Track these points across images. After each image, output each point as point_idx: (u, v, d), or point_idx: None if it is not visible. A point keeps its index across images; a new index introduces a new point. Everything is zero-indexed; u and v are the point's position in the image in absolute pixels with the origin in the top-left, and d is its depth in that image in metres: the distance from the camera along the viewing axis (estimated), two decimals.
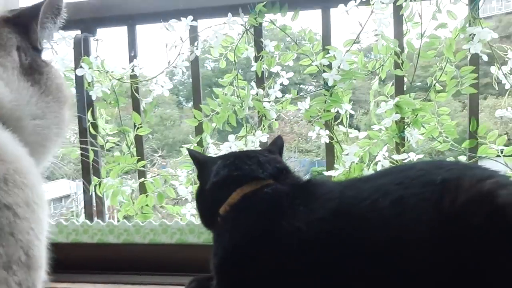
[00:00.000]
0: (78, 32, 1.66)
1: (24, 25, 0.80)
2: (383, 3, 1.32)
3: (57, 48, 1.61)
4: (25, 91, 0.73)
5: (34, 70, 0.78)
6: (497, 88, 1.39)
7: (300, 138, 7.45)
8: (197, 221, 1.40)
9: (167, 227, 1.41)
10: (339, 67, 1.40)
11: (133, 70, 1.55)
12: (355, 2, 1.37)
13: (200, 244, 1.38)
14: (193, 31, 1.55)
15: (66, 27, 1.63)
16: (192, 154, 1.11)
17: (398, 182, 0.85)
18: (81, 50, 1.60)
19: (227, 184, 0.99)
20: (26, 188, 0.60)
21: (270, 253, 0.87)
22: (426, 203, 0.78)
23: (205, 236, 1.36)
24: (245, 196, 0.95)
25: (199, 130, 1.56)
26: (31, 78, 0.76)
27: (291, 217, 0.87)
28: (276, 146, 1.12)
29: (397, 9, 1.41)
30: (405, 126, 1.46)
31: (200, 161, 1.08)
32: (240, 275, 0.90)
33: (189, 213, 1.53)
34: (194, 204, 1.55)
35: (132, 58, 1.62)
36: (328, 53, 1.44)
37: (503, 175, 0.84)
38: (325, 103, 1.44)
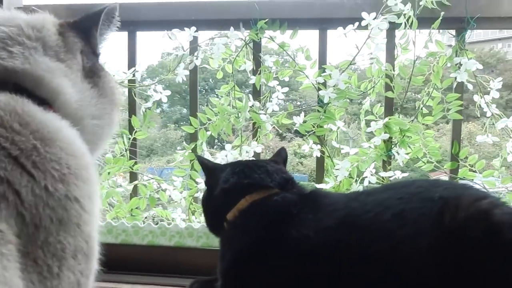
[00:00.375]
0: None
1: (86, 30, 0.85)
2: (380, 29, 1.41)
3: None
4: (87, 93, 0.78)
5: (93, 73, 0.82)
6: (478, 115, 1.50)
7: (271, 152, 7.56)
8: (195, 225, 1.44)
9: (166, 229, 1.43)
10: (334, 86, 1.48)
11: (133, 75, 1.58)
12: (353, 26, 1.45)
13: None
14: (194, 41, 1.60)
15: None
16: (201, 160, 1.15)
17: (399, 197, 0.92)
18: None
19: (236, 190, 1.03)
20: (90, 183, 0.63)
21: (279, 258, 0.91)
22: (426, 217, 0.85)
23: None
24: (254, 203, 1.00)
25: (194, 137, 1.60)
26: (91, 81, 0.80)
27: (299, 224, 0.92)
28: (280, 157, 1.17)
29: (391, 35, 1.51)
30: (392, 146, 1.54)
31: (209, 168, 1.13)
32: (248, 279, 0.94)
33: (180, 218, 1.56)
34: (185, 209, 1.60)
35: (131, 63, 1.66)
36: (324, 71, 1.52)
37: (495, 196, 0.93)
38: (319, 119, 1.51)
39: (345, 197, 1.01)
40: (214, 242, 1.28)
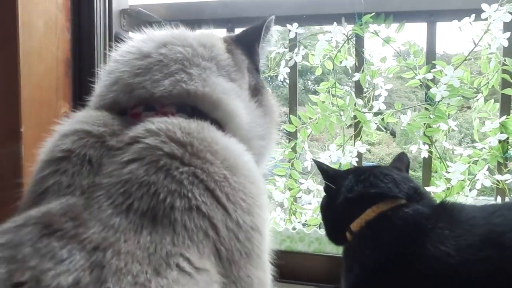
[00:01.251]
0: None
1: (249, 46, 0.83)
2: (502, 21, 1.30)
3: None
4: (255, 113, 0.77)
5: (258, 91, 0.81)
6: None
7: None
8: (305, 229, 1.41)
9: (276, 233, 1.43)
10: (448, 83, 1.39)
11: None
12: (469, 18, 1.35)
13: None
14: (294, 38, 1.56)
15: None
16: (321, 166, 1.12)
17: None
18: None
19: (362, 200, 0.99)
20: (266, 209, 0.62)
21: (414, 274, 0.87)
22: None
23: None
24: (382, 214, 0.96)
25: (293, 135, 1.58)
26: (256, 99, 0.79)
27: (436, 240, 0.87)
28: (402, 163, 1.12)
29: (509, 26, 1.39)
30: (509, 147, 1.43)
31: (330, 174, 1.09)
32: None
33: (279, 217, 1.55)
34: (286, 209, 1.58)
35: None
36: (434, 67, 1.43)
37: None
38: (429, 118, 1.43)
39: (482, 211, 0.93)
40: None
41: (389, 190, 0.98)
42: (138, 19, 1.59)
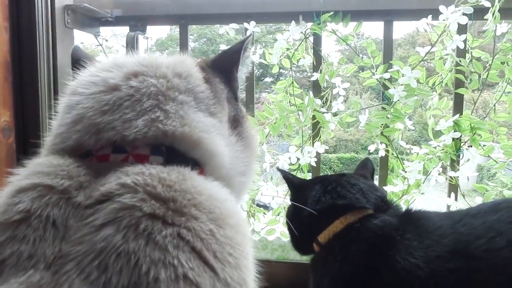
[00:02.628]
0: (127, 28, 1.60)
1: (227, 72, 0.76)
2: (459, 23, 1.32)
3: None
4: (235, 147, 0.70)
5: (237, 122, 0.74)
6: None
7: None
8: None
9: None
10: (405, 84, 1.40)
11: None
12: (426, 19, 1.37)
13: None
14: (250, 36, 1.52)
15: (115, 23, 1.59)
16: (286, 176, 1.09)
17: (510, 221, 0.85)
18: (133, 48, 1.54)
19: (329, 212, 0.97)
20: (250, 256, 0.57)
21: (384, 287, 0.86)
22: None
23: None
24: (350, 226, 0.94)
25: None
26: (236, 132, 0.72)
27: (405, 252, 0.86)
28: (367, 170, 1.11)
29: (462, 28, 1.41)
30: (462, 144, 1.47)
31: (295, 185, 1.07)
32: None
33: None
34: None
35: None
36: (391, 67, 1.44)
37: None
38: (387, 118, 1.44)
39: (448, 218, 0.94)
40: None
41: (357, 201, 0.97)
42: (84, 16, 1.48)
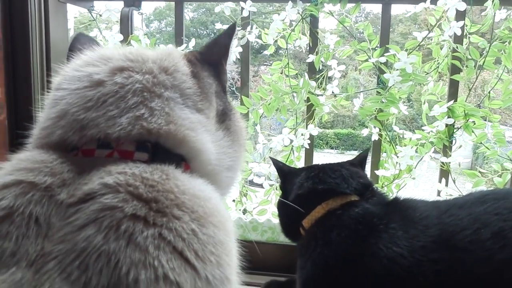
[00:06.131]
0: (121, 3, 1.57)
1: (216, 64, 0.74)
2: (457, 10, 1.30)
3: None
4: (222, 143, 0.69)
5: (225, 116, 0.73)
6: None
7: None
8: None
9: None
10: (400, 69, 1.39)
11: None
12: (425, 3, 1.35)
13: None
14: (247, 16, 1.50)
15: None
16: (276, 164, 1.10)
17: (496, 213, 0.87)
18: (128, 25, 1.52)
19: (311, 197, 0.99)
20: (234, 252, 0.58)
21: (365, 274, 0.87)
22: None
23: None
24: (331, 212, 0.96)
25: (245, 116, 1.54)
26: (223, 126, 0.71)
27: (388, 241, 0.87)
28: (359, 158, 1.11)
29: (460, 14, 1.39)
30: (455, 131, 1.47)
31: (284, 172, 1.07)
32: None
33: (230, 199, 1.53)
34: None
35: (179, 33, 1.56)
36: (387, 51, 1.43)
37: None
38: (381, 102, 1.43)
39: (434, 208, 0.95)
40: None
41: (337, 186, 0.98)
42: None
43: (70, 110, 0.59)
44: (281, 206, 1.08)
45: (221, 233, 0.55)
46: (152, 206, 0.51)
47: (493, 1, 1.31)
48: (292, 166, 1.48)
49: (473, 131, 1.44)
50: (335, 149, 13.70)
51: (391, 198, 1.02)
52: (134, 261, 0.46)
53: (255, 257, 1.35)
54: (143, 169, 0.55)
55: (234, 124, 0.74)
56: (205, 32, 19.00)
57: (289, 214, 1.04)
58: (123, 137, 0.58)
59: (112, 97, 0.59)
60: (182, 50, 1.49)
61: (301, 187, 1.01)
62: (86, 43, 0.74)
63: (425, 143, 1.49)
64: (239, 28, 1.50)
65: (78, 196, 0.51)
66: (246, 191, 1.55)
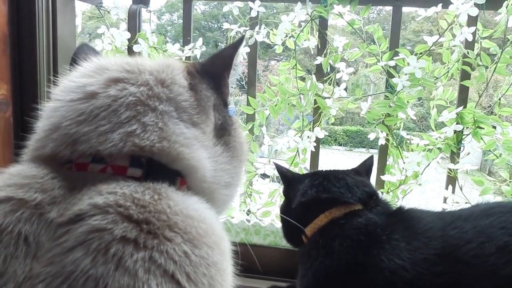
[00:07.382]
0: (130, 0, 1.56)
1: (218, 77, 0.72)
2: (469, 15, 1.27)
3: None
4: (220, 159, 0.67)
5: (225, 131, 0.71)
6: None
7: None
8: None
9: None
10: (409, 73, 1.37)
11: (192, 52, 1.49)
12: (436, 7, 1.32)
13: None
14: (255, 16, 1.48)
15: None
16: (280, 170, 1.09)
17: (502, 227, 0.85)
18: (136, 22, 1.51)
19: (315, 205, 0.98)
20: (229, 271, 0.57)
21: (367, 285, 0.87)
22: None
23: None
24: (334, 221, 0.94)
25: (250, 118, 1.53)
26: (222, 142, 0.69)
27: (391, 252, 0.86)
28: (364, 166, 1.10)
29: (472, 19, 1.37)
30: (463, 137, 1.45)
31: (288, 178, 1.06)
32: None
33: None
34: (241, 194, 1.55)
35: (186, 32, 1.55)
36: (397, 54, 1.41)
37: None
38: (389, 107, 1.41)
39: (439, 219, 0.94)
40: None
41: (341, 195, 0.97)
42: None
43: (62, 123, 0.58)
44: (283, 213, 1.06)
45: (215, 253, 0.54)
46: (143, 227, 0.49)
47: (507, 7, 1.28)
48: (297, 168, 1.47)
49: (482, 138, 1.42)
50: (344, 146, 13.66)
51: (396, 207, 1.01)
52: (122, 286, 0.44)
53: (255, 261, 1.35)
54: (134, 189, 0.54)
55: (234, 140, 0.72)
56: (216, 25, 18.97)
57: (290, 224, 1.03)
58: (115, 154, 0.56)
59: (105, 111, 0.58)
60: (190, 49, 1.49)
61: (304, 195, 1.00)
62: (89, 54, 0.73)
63: (432, 148, 1.47)
64: (247, 28, 1.48)
65: (68, 216, 0.50)
66: (251, 192, 1.54)
